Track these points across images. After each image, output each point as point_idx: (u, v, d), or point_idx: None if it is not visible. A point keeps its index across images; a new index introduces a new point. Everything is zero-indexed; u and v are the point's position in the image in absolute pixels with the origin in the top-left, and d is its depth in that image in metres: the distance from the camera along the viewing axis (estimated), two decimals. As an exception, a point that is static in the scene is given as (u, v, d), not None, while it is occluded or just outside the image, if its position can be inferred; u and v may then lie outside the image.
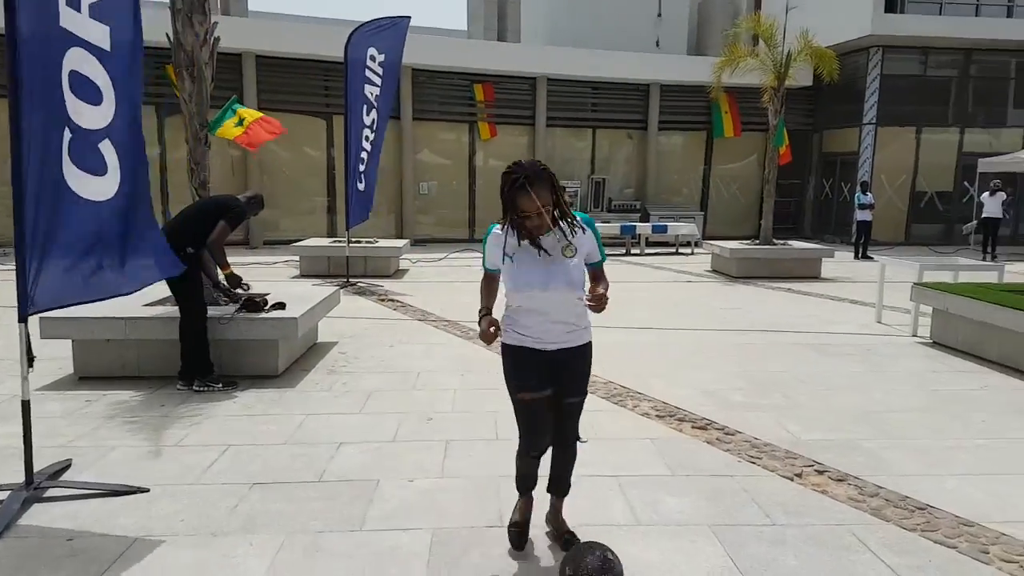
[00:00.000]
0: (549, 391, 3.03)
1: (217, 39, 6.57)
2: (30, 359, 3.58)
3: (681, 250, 17.32)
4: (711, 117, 20.55)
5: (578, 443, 3.20)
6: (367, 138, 11.21)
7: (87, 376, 5.73)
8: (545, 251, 2.96)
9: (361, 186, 11.20)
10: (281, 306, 6.01)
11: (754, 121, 19.82)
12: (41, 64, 3.31)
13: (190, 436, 4.51)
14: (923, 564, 3.11)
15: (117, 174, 3.61)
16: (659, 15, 25.50)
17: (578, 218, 3.07)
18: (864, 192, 16.78)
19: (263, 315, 5.81)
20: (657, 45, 25.02)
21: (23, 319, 3.49)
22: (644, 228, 17.20)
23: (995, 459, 4.34)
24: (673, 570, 3.02)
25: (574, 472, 3.29)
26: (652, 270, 13.97)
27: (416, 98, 18.34)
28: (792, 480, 3.96)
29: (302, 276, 11.94)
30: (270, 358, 5.82)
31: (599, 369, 5.99)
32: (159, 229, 4.20)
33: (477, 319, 3.02)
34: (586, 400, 3.19)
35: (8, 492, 3.52)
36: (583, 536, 3.14)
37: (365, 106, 11.01)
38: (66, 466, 3.95)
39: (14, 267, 3.44)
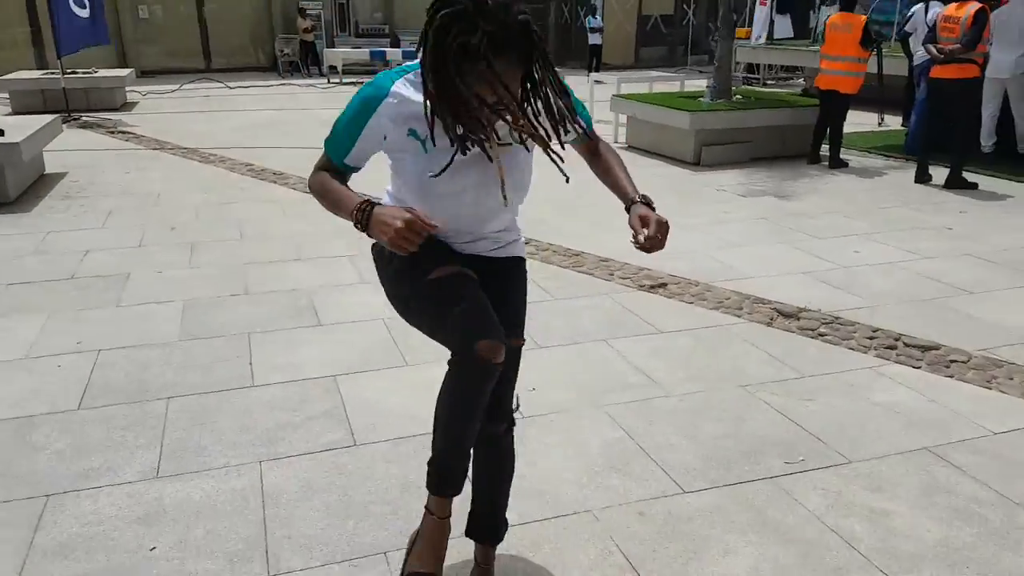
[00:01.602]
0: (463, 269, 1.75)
1: None
2: None
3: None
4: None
5: (515, 420, 1.95)
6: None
7: None
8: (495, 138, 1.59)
9: (84, 12, 10.23)
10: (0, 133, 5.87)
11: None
12: None
13: (-76, 257, 4.59)
14: (566, 285, 4.33)
15: None
16: None
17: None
18: (593, 15, 18.14)
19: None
20: None
21: None
22: (395, 54, 17.28)
23: (640, 220, 5.72)
24: (386, 308, 3.93)
25: (295, 249, 4.00)
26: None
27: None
28: (486, 244, 5.02)
29: (14, 114, 10.90)
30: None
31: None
32: None
33: (360, 220, 1.56)
34: None
35: None
36: (313, 268, 3.92)
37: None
38: None
39: None
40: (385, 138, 1.65)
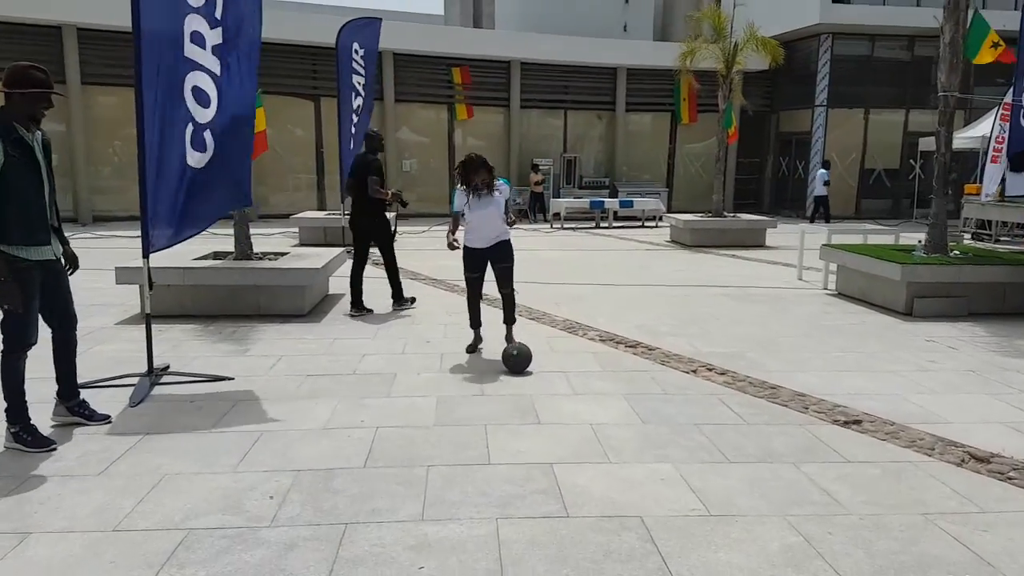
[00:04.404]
0: (481, 274, 6.03)
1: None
2: (151, 284, 5.09)
3: (647, 224, 18.89)
4: (674, 101, 22.12)
5: (514, 293, 6.20)
6: (353, 122, 12.63)
7: (152, 315, 7.17)
8: (486, 196, 5.91)
9: (354, 164, 12.64)
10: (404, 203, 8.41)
11: (716, 103, 21.37)
12: (169, 78, 4.89)
13: (250, 350, 6.04)
14: (759, 412, 4.74)
15: (211, 150, 5.21)
16: (626, 1, 26.93)
17: (498, 182, 6.02)
18: (827, 168, 19.03)
19: (292, 266, 7.31)
20: (625, 30, 26.49)
21: (146, 255, 5.01)
22: (612, 203, 18.74)
23: (840, 364, 5.99)
24: (594, 415, 4.61)
25: (535, 364, 5.59)
26: (617, 240, 15.56)
27: (398, 81, 19.69)
28: (688, 373, 5.59)
29: (300, 245, 13.32)
30: (299, 300, 7.33)
31: (559, 311, 7.66)
32: (241, 180, 5.62)
33: (447, 239, 6.00)
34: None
35: (137, 378, 5.02)
36: (536, 380, 4.73)
37: (353, 93, 12.45)
38: (166, 367, 5.44)
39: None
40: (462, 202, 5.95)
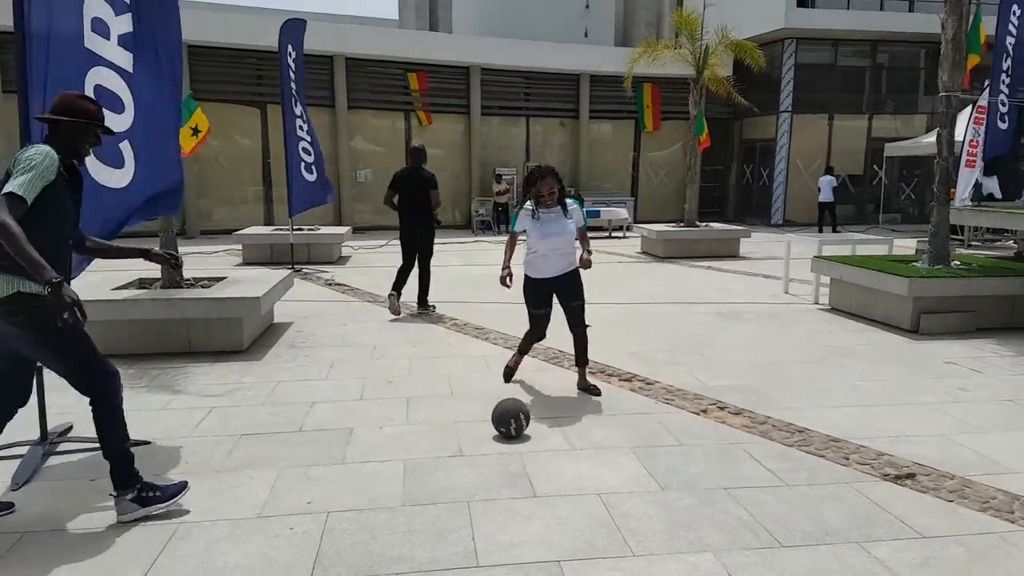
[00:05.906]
0: (548, 309, 5.21)
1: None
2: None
3: (614, 234, 18.18)
4: (637, 108, 21.53)
5: (586, 327, 5.26)
6: (301, 128, 11.63)
7: (62, 356, 6.10)
8: (556, 216, 5.04)
9: (312, 177, 11.64)
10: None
11: (679, 110, 20.80)
12: (63, 77, 3.89)
13: (175, 401, 5.03)
14: (796, 468, 3.93)
15: (132, 166, 4.22)
16: (587, 6, 26.35)
17: (570, 203, 5.12)
18: (831, 175, 19.13)
19: (227, 294, 6.31)
20: (586, 35, 25.88)
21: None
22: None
23: (864, 395, 5.25)
24: (602, 480, 3.75)
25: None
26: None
27: (350, 87, 18.65)
28: (698, 415, 4.77)
29: (245, 264, 12.23)
30: (236, 334, 6.33)
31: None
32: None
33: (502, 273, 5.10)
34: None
35: (27, 447, 4.01)
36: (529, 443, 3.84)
37: (293, 98, 11.46)
38: (68, 428, 4.43)
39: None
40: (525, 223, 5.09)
